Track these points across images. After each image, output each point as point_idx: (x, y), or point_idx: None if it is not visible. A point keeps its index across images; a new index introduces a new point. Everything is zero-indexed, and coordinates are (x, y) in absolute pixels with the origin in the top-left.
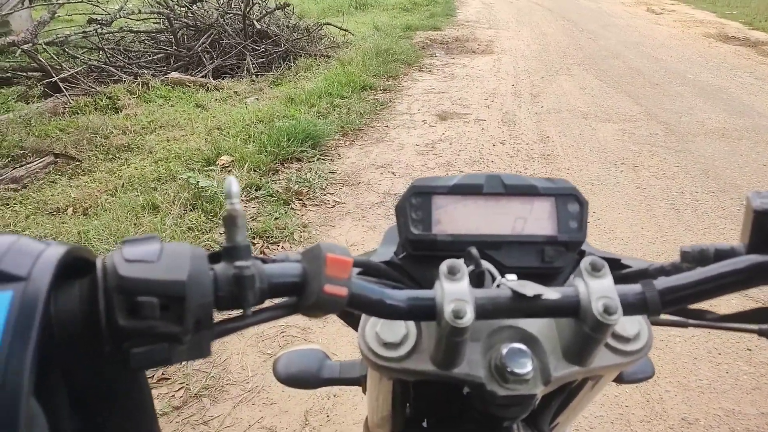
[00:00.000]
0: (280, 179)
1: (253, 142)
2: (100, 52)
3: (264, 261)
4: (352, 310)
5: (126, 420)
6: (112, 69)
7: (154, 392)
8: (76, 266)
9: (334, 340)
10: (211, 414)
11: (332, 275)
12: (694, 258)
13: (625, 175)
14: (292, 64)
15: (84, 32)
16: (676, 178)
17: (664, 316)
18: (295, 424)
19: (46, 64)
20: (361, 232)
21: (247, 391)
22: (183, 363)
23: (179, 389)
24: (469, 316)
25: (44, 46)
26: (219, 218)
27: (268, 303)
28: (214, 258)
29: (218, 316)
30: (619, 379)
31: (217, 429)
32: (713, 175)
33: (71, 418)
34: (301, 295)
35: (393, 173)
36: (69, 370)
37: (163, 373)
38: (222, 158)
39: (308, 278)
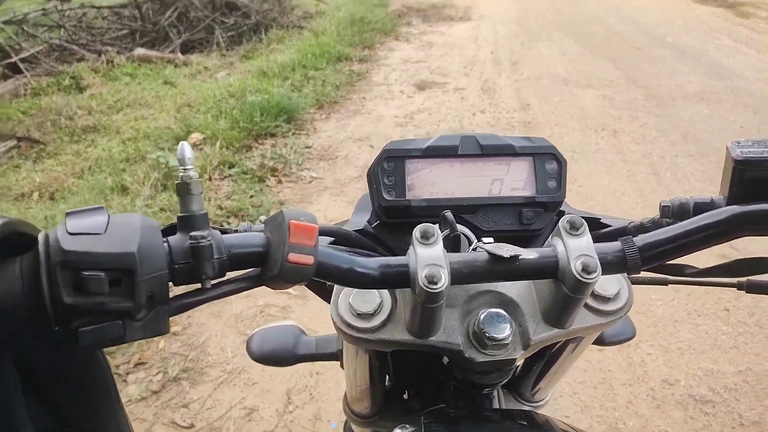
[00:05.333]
0: (254, 156)
1: (225, 118)
2: (61, 30)
3: (224, 231)
4: (320, 280)
5: (85, 401)
6: (74, 47)
7: (131, 377)
8: (17, 242)
9: (316, 315)
10: (191, 397)
11: (297, 243)
12: (673, 212)
13: (606, 141)
14: (263, 37)
15: (43, 9)
16: (656, 143)
17: (644, 274)
18: (278, 403)
19: (4, 44)
20: (340, 207)
21: (227, 373)
22: (157, 348)
23: (157, 373)
24: (443, 281)
25: (2, 26)
26: None
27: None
28: (169, 231)
29: (177, 291)
30: (600, 341)
31: (198, 411)
32: (693, 138)
33: (27, 401)
34: (264, 266)
35: (371, 146)
36: (19, 351)
37: (139, 358)
38: (193, 136)
39: (271, 247)
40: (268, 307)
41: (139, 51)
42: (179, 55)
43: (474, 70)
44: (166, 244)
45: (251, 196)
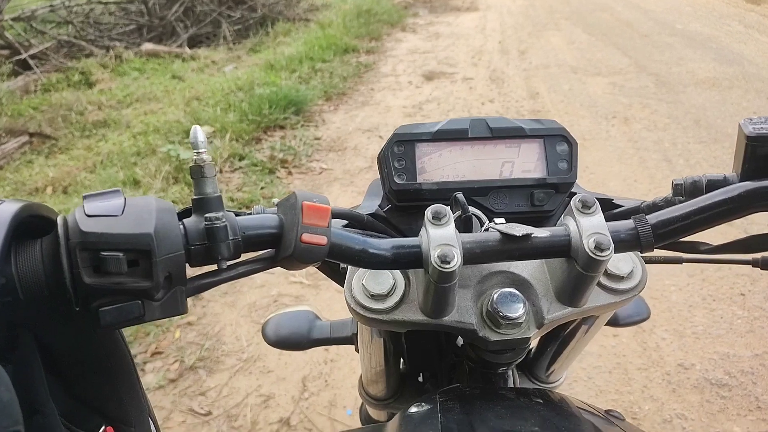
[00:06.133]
0: (263, 148)
1: (234, 111)
2: (69, 26)
3: (238, 214)
4: (333, 261)
5: (104, 381)
6: (82, 43)
7: (149, 366)
8: (37, 225)
9: (329, 305)
10: (208, 385)
11: (310, 224)
12: (686, 190)
13: (616, 128)
14: (270, 30)
15: (51, 6)
16: (667, 130)
17: (657, 252)
18: (294, 390)
19: (13, 40)
20: (351, 197)
21: (242, 361)
22: (173, 337)
23: (174, 362)
24: (456, 261)
25: (10, 23)
26: None
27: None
28: (184, 214)
29: (194, 273)
30: (614, 322)
31: (215, 399)
32: (704, 124)
33: (49, 382)
34: (278, 247)
35: (380, 137)
36: (41, 333)
37: (156, 347)
38: (203, 128)
39: (285, 228)
40: (282, 297)
41: (147, 46)
42: (186, 49)
43: (482, 60)
44: (181, 226)
45: (262, 188)
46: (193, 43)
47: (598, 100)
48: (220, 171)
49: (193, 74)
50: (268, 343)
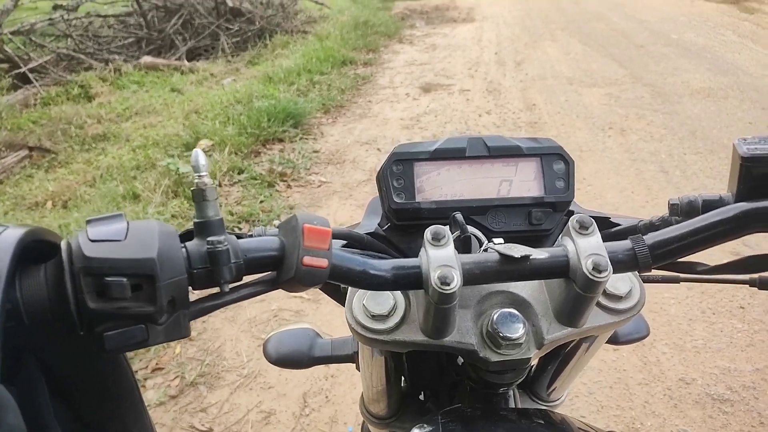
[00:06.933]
0: (262, 161)
1: (233, 124)
2: (68, 39)
3: (239, 236)
4: (334, 283)
5: (109, 405)
6: (81, 56)
7: (150, 382)
8: (41, 249)
9: (329, 321)
10: (209, 401)
11: (311, 246)
12: (682, 210)
13: (613, 139)
14: (268, 42)
15: (50, 19)
16: (663, 141)
17: (655, 272)
18: (294, 406)
19: (12, 54)
20: (349, 210)
21: (243, 377)
22: (174, 353)
23: (174, 378)
24: (456, 282)
25: (9, 36)
26: None
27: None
28: (186, 236)
29: (196, 296)
30: (614, 340)
31: (216, 416)
32: (701, 135)
33: (53, 404)
34: (280, 269)
35: (378, 149)
36: (45, 356)
37: (157, 363)
38: (201, 142)
39: (286, 251)
40: (282, 312)
41: (146, 59)
42: (185, 62)
43: (479, 72)
44: (184, 250)
45: (261, 201)
46: (192, 55)
47: (595, 111)
48: (219, 185)
49: (191, 87)
50: (270, 362)
